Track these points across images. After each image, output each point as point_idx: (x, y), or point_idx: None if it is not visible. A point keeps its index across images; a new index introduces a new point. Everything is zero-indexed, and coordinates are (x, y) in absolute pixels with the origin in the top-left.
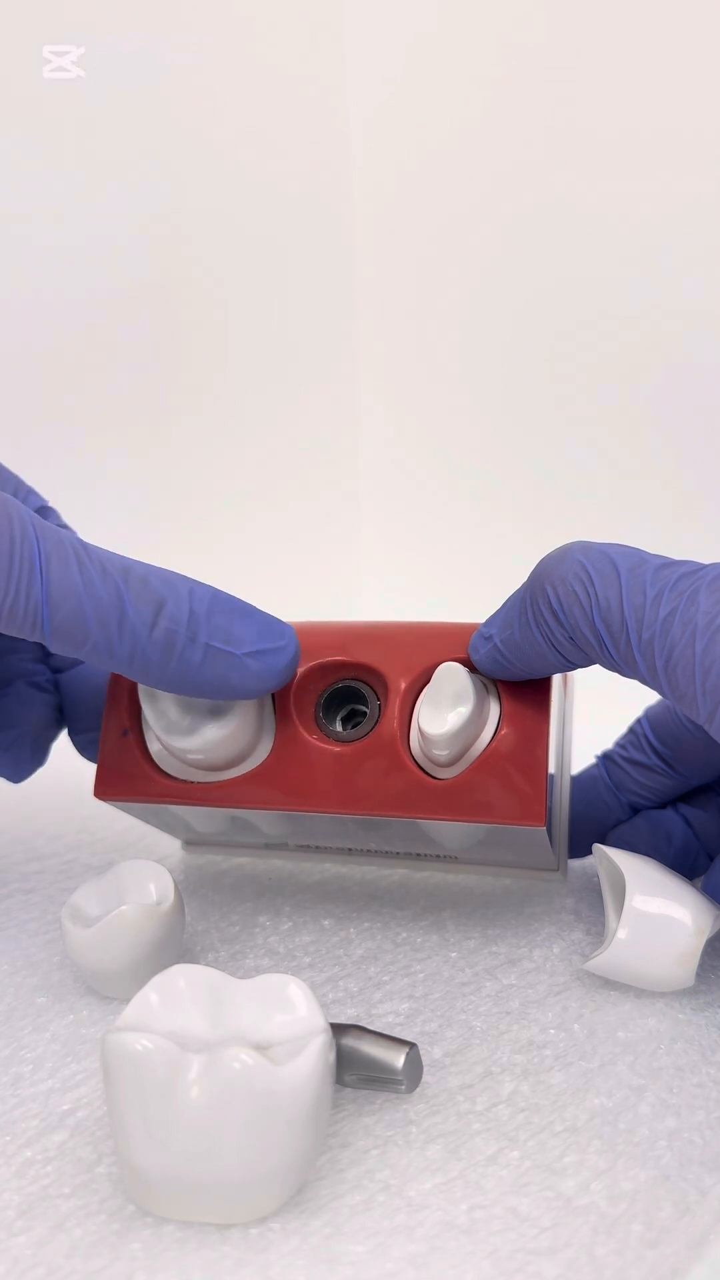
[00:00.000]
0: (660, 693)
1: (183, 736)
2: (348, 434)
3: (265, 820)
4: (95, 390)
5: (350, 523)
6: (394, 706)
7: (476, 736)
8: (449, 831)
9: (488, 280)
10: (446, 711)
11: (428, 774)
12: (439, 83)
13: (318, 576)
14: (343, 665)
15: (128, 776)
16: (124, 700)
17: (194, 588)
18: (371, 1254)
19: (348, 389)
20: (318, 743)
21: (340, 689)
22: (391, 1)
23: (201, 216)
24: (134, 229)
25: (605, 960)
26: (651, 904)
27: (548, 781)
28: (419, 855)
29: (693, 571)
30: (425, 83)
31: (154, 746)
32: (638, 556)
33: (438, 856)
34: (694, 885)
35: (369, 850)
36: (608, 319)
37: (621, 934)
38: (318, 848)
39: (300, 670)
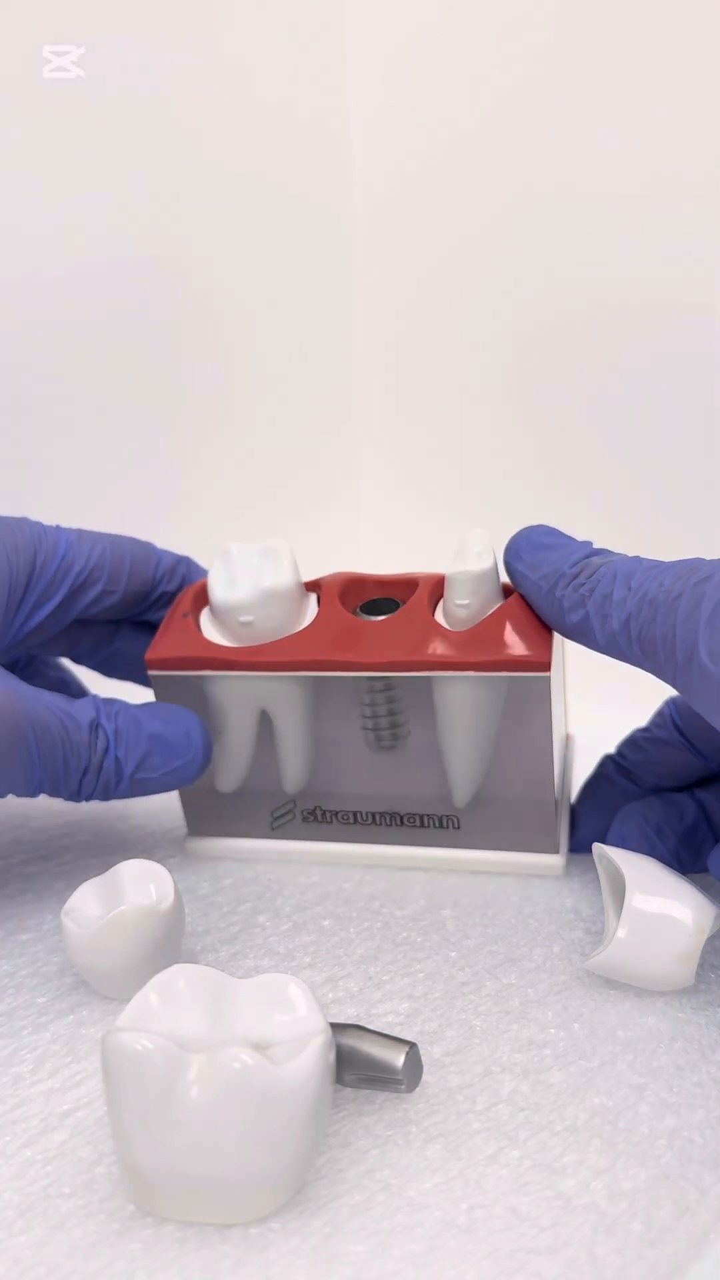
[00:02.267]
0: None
1: (239, 597)
2: (345, 422)
3: (289, 721)
4: (96, 380)
5: (349, 512)
6: (424, 593)
7: (494, 601)
8: (461, 716)
9: (487, 267)
10: (472, 559)
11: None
12: (440, 79)
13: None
14: (380, 582)
15: (180, 646)
16: (190, 596)
17: (117, 726)
18: (371, 1253)
19: (345, 379)
20: (353, 618)
21: (376, 601)
22: (392, 2)
23: (202, 216)
24: (134, 228)
25: (605, 959)
26: (651, 903)
27: (553, 640)
28: (423, 819)
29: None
30: (426, 80)
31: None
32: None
33: (442, 823)
34: (693, 883)
35: (376, 815)
36: (607, 309)
37: (621, 933)
38: (326, 813)
39: (340, 582)
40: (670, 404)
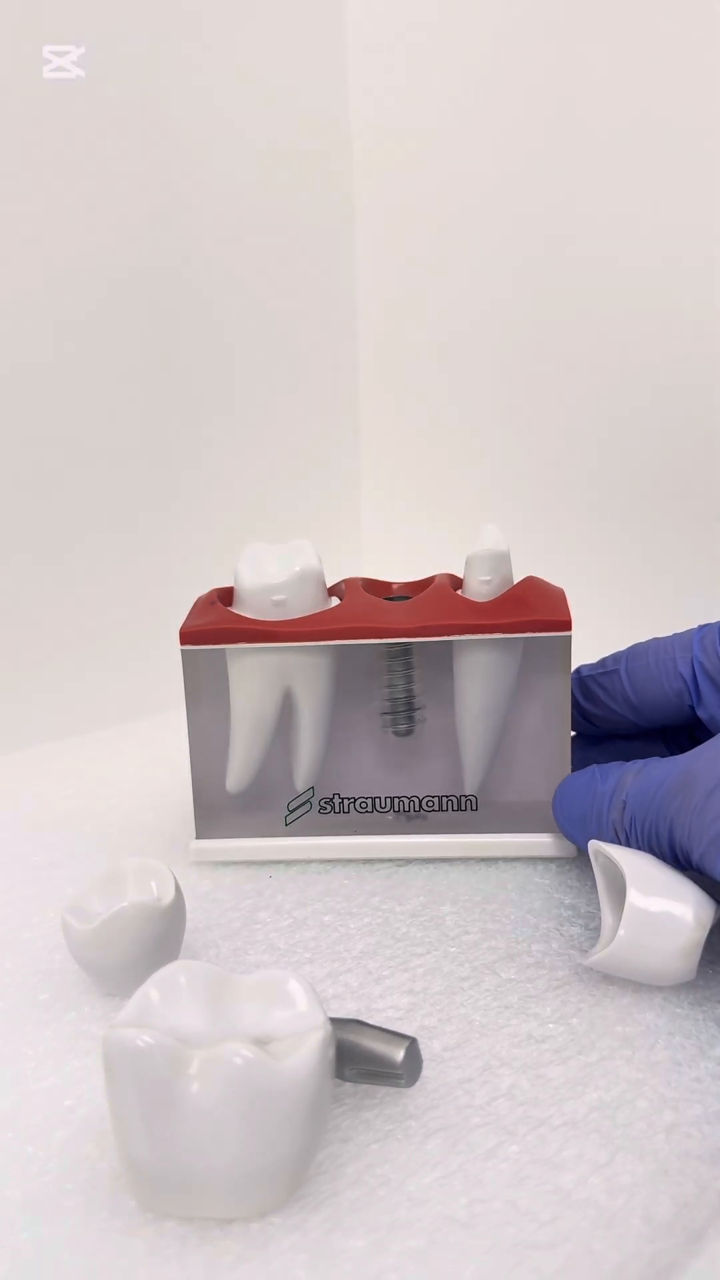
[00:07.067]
0: None
1: (271, 578)
2: (347, 427)
3: (311, 699)
4: (95, 382)
5: (350, 520)
6: (444, 579)
7: (510, 584)
8: (482, 683)
9: (490, 268)
10: (490, 542)
11: None
12: (440, 80)
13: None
14: (400, 584)
15: (214, 619)
16: (211, 595)
17: None
18: (372, 1248)
19: (347, 383)
20: (379, 599)
21: (396, 597)
22: (393, 3)
23: (203, 215)
24: (134, 228)
25: (607, 958)
26: (652, 902)
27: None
28: (439, 806)
29: None
30: (426, 80)
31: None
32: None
33: (460, 804)
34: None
35: (394, 800)
36: (610, 311)
37: (623, 932)
38: (344, 800)
39: (361, 580)
40: (671, 405)
